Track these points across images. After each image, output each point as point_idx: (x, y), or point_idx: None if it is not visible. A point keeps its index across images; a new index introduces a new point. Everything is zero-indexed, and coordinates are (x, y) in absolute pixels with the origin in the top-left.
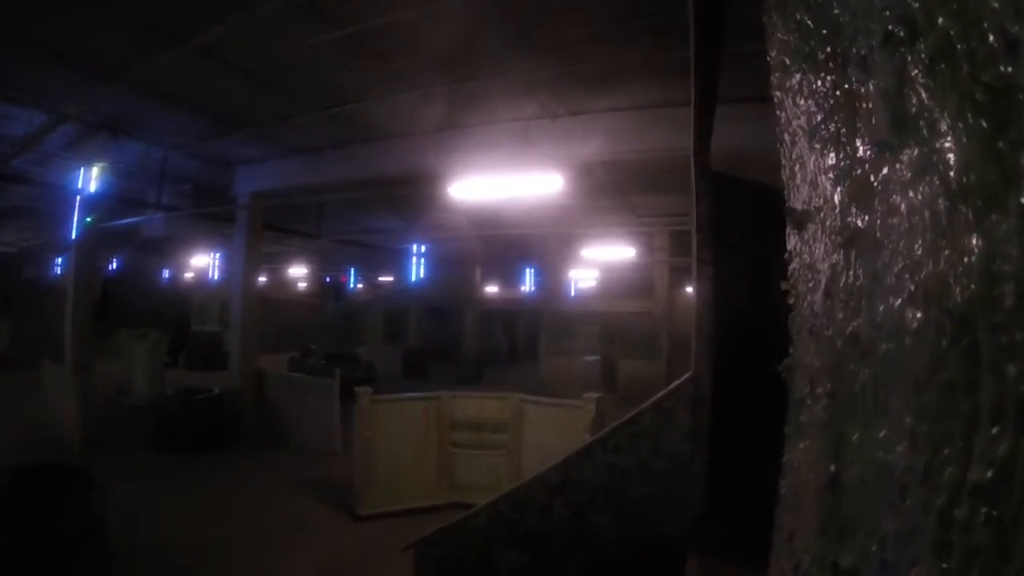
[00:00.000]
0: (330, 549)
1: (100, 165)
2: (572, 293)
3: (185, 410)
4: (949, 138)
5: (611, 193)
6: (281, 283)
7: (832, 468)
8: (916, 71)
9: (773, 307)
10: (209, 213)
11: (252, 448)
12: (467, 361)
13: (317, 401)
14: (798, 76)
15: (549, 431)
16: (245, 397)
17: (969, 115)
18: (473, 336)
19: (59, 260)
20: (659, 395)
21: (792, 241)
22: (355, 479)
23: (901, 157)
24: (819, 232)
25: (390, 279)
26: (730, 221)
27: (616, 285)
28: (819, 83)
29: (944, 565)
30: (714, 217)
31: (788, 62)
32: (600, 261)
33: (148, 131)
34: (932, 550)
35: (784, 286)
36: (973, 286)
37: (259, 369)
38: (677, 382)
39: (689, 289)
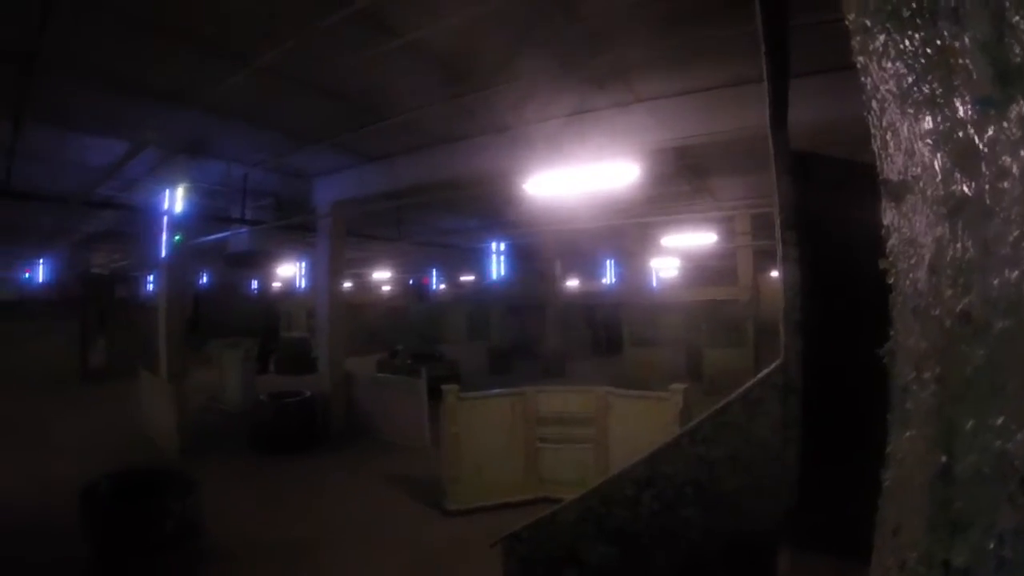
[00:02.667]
0: (420, 544)
1: (184, 186)
2: (654, 283)
3: (278, 414)
4: None
5: (688, 178)
6: (365, 287)
7: (943, 459)
8: (1016, 16)
9: (867, 289)
10: (292, 224)
11: (343, 448)
12: (550, 356)
13: (405, 400)
14: (882, 37)
15: (636, 423)
16: (335, 399)
17: None
18: (555, 331)
19: (150, 278)
20: (747, 384)
21: (889, 215)
22: (443, 475)
23: (1008, 114)
24: (919, 203)
25: (471, 278)
26: (814, 199)
27: (699, 273)
28: (907, 42)
29: None
30: (797, 196)
31: (870, 23)
32: (681, 249)
33: (226, 150)
34: None
35: (883, 264)
36: None
37: (347, 371)
38: (766, 370)
39: (775, 273)
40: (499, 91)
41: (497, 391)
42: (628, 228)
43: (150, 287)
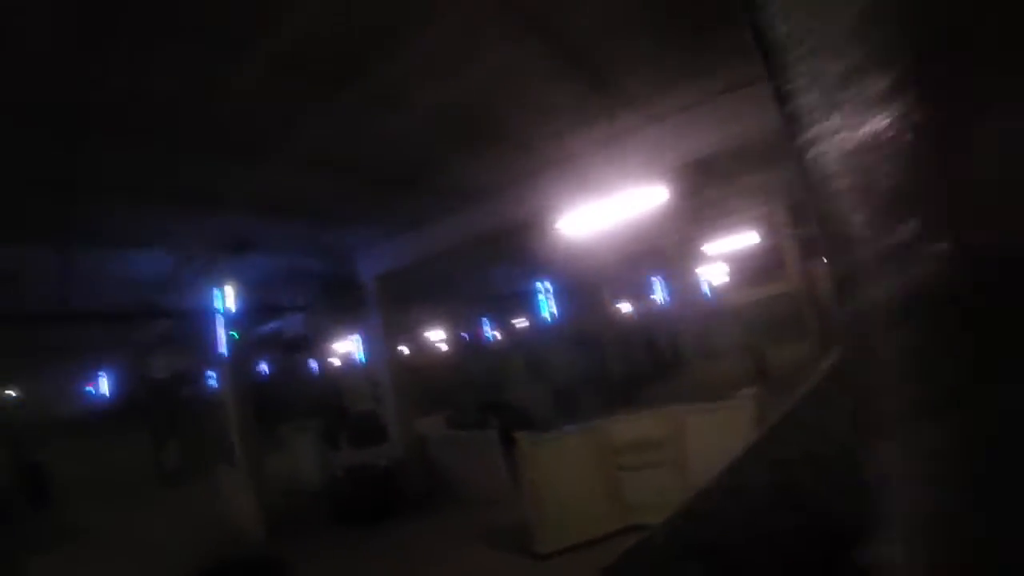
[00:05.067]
0: None
1: (232, 283)
2: (705, 292)
3: (356, 487)
4: None
5: (718, 183)
6: (422, 349)
7: None
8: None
9: None
10: (341, 304)
11: (425, 510)
12: (615, 385)
13: (480, 453)
14: None
15: (712, 436)
16: (410, 463)
17: None
18: (616, 359)
19: (211, 375)
20: (813, 378)
21: None
22: (529, 521)
23: None
24: None
25: (524, 322)
26: None
27: (748, 273)
28: None
29: None
30: None
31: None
32: (725, 253)
33: (268, 242)
34: None
35: None
36: None
37: (419, 435)
38: (829, 361)
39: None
40: (522, 140)
41: (568, 429)
42: (669, 244)
43: (212, 383)
